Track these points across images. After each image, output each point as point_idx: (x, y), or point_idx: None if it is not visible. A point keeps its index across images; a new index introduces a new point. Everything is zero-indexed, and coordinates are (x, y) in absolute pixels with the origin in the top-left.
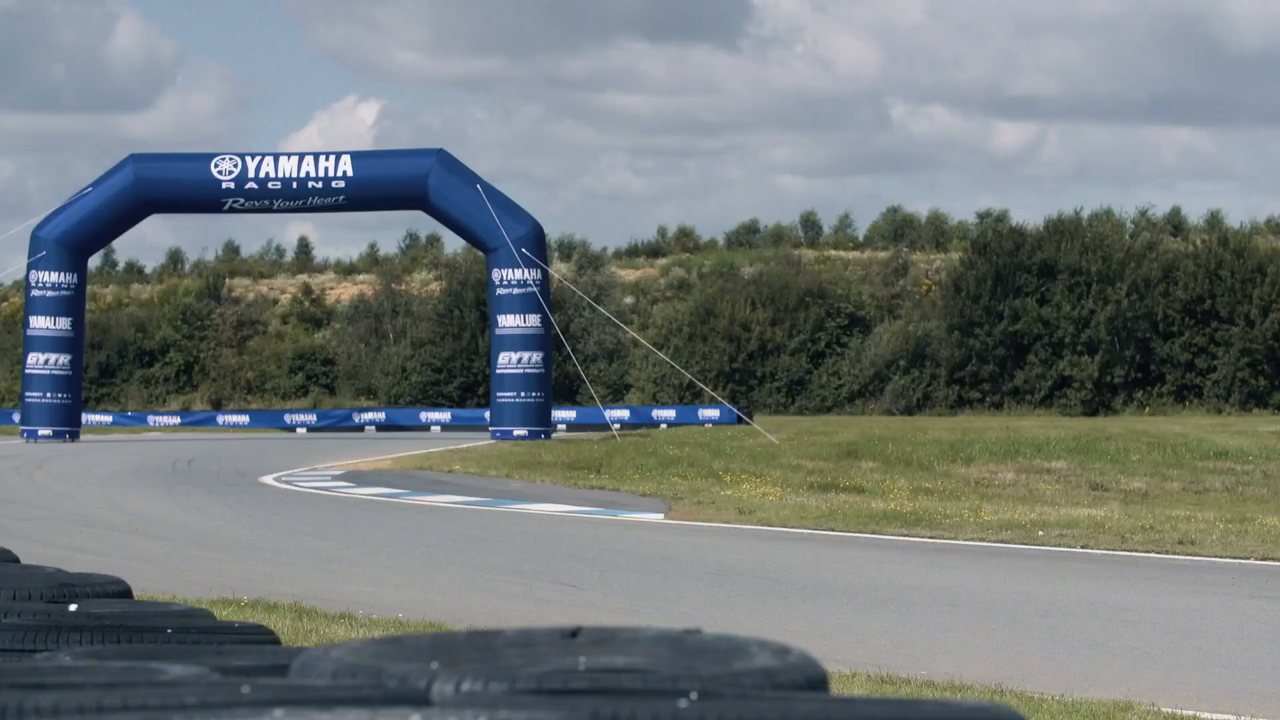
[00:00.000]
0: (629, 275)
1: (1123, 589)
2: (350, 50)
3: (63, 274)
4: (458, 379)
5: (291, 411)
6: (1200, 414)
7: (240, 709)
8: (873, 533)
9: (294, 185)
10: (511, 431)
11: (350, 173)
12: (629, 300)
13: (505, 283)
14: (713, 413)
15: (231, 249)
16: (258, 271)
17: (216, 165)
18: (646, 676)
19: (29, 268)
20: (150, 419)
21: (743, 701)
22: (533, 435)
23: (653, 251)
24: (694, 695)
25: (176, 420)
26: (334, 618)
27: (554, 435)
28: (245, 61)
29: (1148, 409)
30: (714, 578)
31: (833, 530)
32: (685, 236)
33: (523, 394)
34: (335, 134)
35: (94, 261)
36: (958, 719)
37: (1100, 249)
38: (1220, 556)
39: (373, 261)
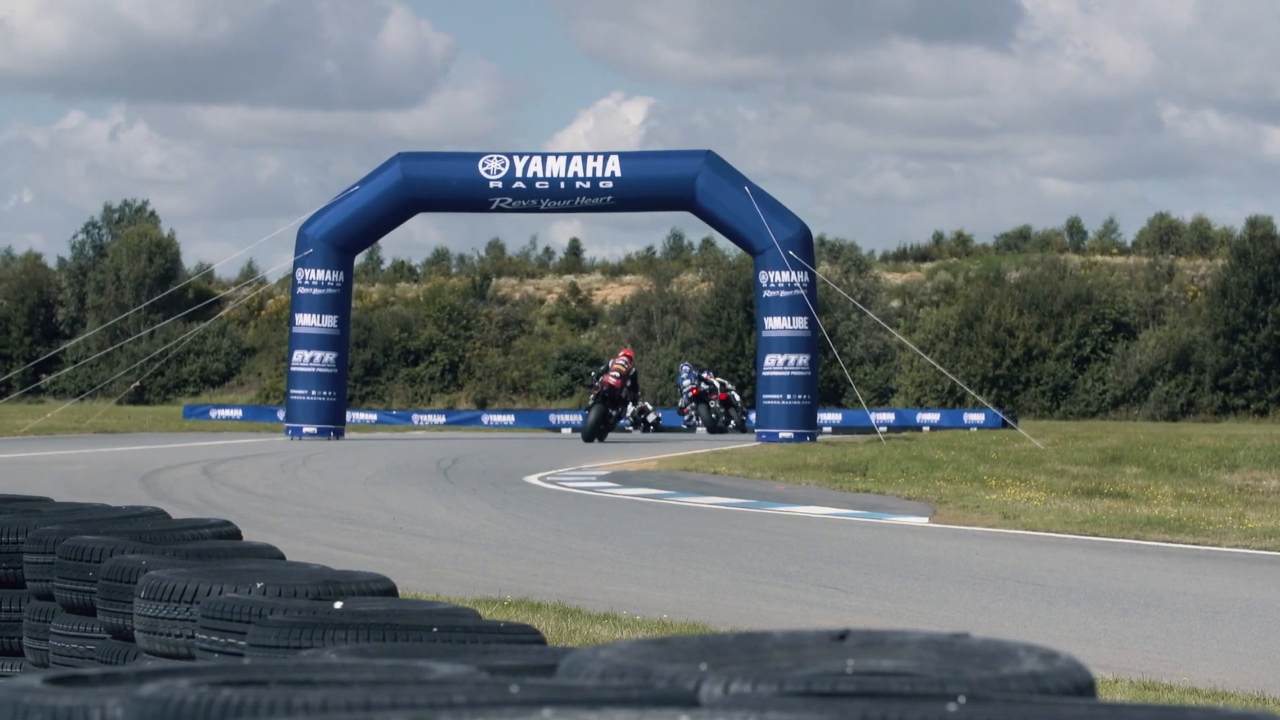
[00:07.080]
0: (895, 279)
1: None
2: (616, 49)
3: (329, 271)
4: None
5: (556, 412)
6: None
7: (509, 708)
8: (1136, 539)
9: (561, 185)
10: (777, 434)
11: (618, 173)
12: (895, 304)
13: (772, 285)
14: (977, 417)
15: (497, 248)
16: (524, 271)
17: (484, 164)
18: (915, 680)
19: (295, 265)
20: (415, 418)
21: (1011, 706)
22: (798, 437)
23: (920, 255)
24: (962, 699)
25: (441, 419)
26: (598, 618)
27: (819, 438)
28: (511, 59)
29: None
30: (978, 582)
31: (1096, 536)
32: (960, 241)
33: (789, 396)
34: (601, 133)
35: (360, 259)
36: None
37: None
38: None
39: (646, 263)
